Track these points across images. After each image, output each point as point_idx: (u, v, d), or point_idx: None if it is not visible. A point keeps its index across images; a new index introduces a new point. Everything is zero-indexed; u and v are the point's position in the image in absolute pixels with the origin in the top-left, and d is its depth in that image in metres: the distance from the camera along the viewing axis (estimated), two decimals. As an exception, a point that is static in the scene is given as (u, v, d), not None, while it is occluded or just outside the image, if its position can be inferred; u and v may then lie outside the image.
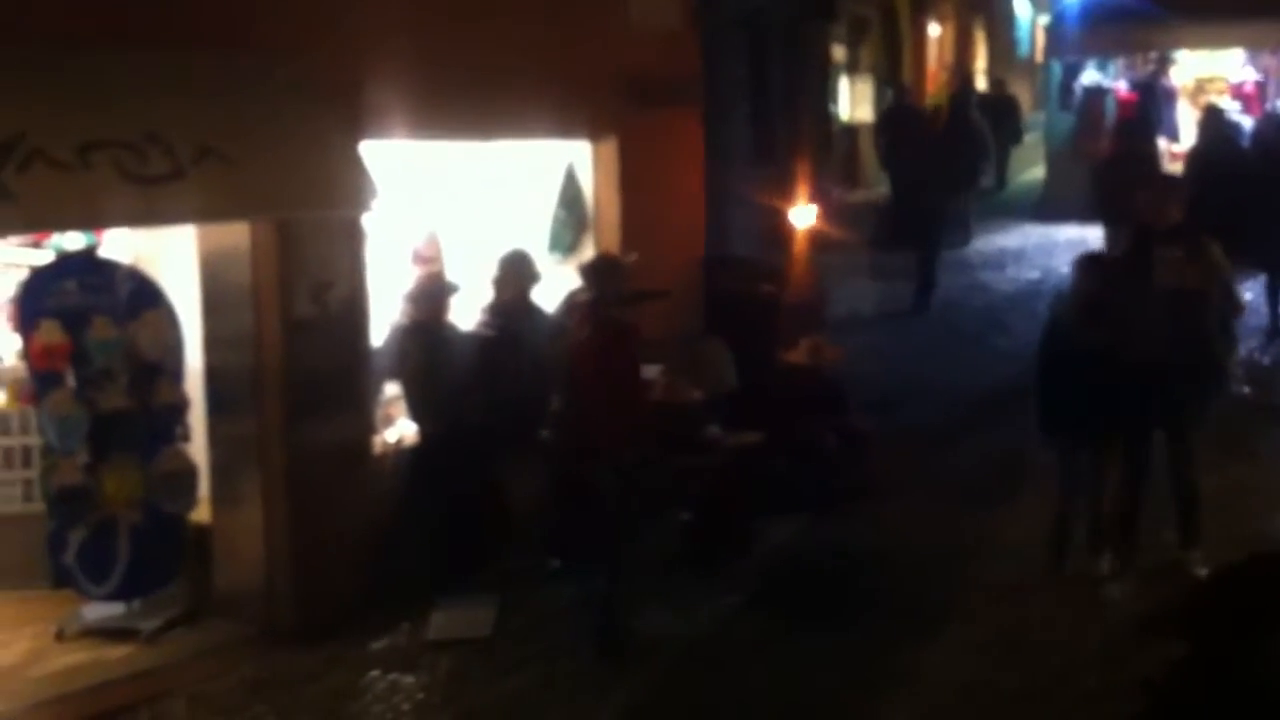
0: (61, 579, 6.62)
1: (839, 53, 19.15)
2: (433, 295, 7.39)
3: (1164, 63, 16.92)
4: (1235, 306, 7.34)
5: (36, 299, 6.42)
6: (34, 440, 6.90)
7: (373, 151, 6.93)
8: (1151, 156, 13.41)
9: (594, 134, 8.64)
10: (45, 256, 6.95)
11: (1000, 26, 26.81)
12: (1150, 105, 16.11)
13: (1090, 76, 17.37)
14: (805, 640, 6.57)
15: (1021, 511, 7.77)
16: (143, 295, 6.57)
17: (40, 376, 6.44)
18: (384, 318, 7.41)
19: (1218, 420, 9.03)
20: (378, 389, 7.40)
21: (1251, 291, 12.23)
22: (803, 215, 10.67)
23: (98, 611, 6.71)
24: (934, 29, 24.05)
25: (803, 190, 10.91)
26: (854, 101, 19.98)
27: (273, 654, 6.52)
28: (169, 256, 7.13)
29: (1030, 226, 16.59)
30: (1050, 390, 6.76)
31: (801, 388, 8.73)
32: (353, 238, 6.96)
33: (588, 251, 8.40)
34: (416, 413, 7.46)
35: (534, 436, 7.33)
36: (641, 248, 7.45)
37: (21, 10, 5.68)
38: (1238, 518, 7.77)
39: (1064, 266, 14.01)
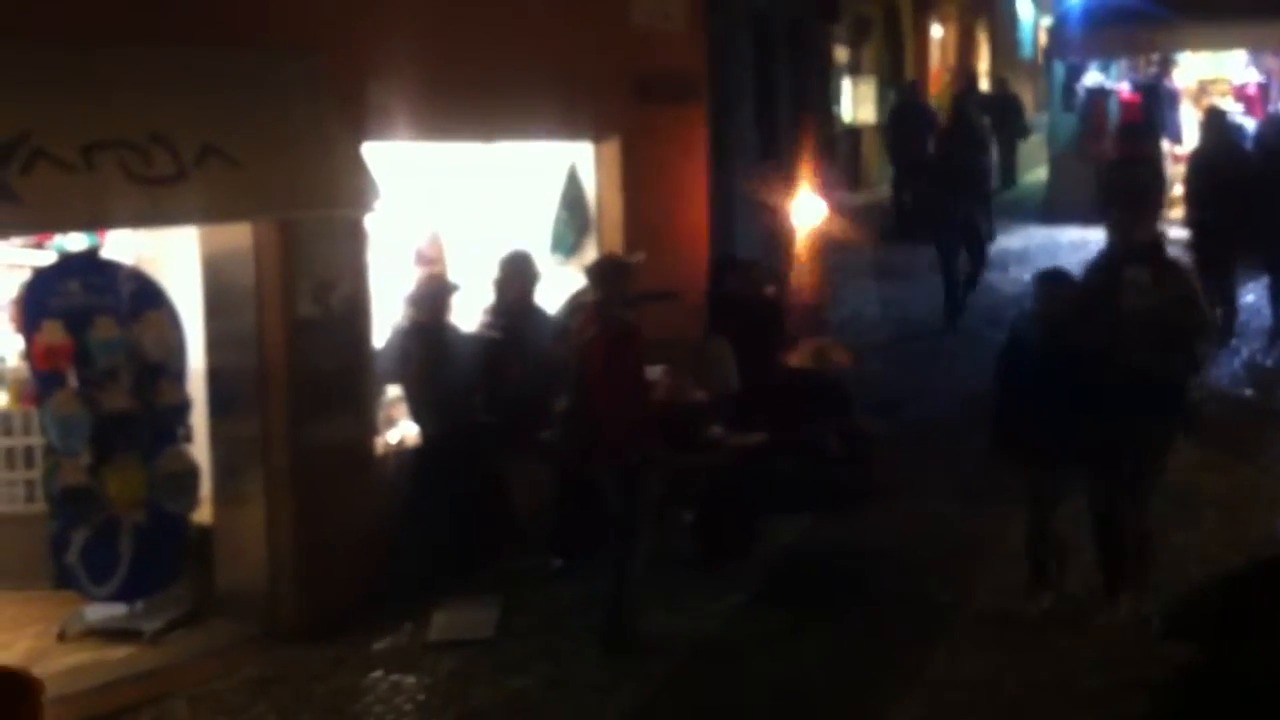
0: (64, 579, 6.61)
1: (841, 54, 19.15)
2: (433, 296, 7.40)
3: (1167, 64, 16.91)
4: (1204, 329, 6.82)
5: (39, 300, 6.42)
6: (36, 441, 6.89)
7: (375, 152, 6.93)
8: (1155, 158, 13.39)
9: (597, 134, 8.64)
10: (48, 257, 6.95)
11: (1003, 28, 26.79)
12: (1153, 107, 16.10)
13: (1093, 78, 17.36)
14: (809, 640, 6.57)
15: (1025, 511, 7.76)
16: (145, 296, 6.57)
17: (43, 377, 6.44)
18: (386, 318, 7.41)
19: (1220, 423, 9.06)
20: (380, 390, 7.40)
21: (1253, 293, 12.24)
22: (807, 216, 10.67)
23: (100, 612, 6.71)
24: (936, 30, 24.03)
25: (807, 191, 10.90)
26: (856, 102, 19.97)
27: (275, 654, 6.52)
28: (171, 257, 7.13)
29: (1034, 228, 16.59)
30: (1007, 409, 6.50)
31: (804, 389, 8.72)
32: (355, 238, 6.96)
33: (590, 253, 8.40)
34: (418, 414, 7.46)
35: (537, 437, 7.33)
36: (645, 248, 7.44)
37: (24, 7, 5.67)
38: (1241, 520, 7.77)
39: (1068, 268, 14.07)
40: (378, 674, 6.36)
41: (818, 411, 8.55)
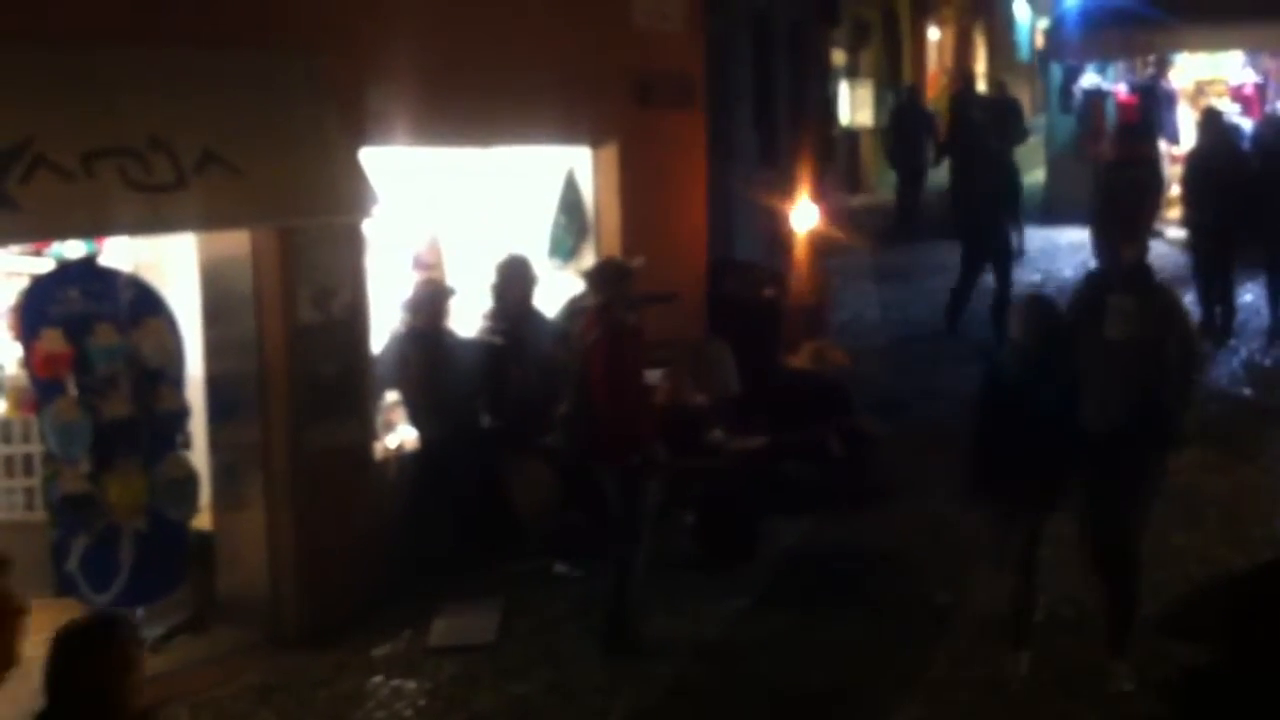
0: (64, 587, 6.59)
1: (839, 57, 19.18)
2: (430, 301, 7.41)
3: (1163, 65, 16.93)
4: (1193, 357, 6.37)
5: (38, 307, 6.41)
6: (36, 448, 6.89)
7: (374, 157, 6.94)
8: (1153, 159, 13.39)
9: (595, 138, 8.64)
10: (46, 265, 6.94)
11: (1000, 30, 26.85)
12: (1151, 108, 16.11)
13: (1090, 79, 17.38)
14: (810, 641, 6.57)
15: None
16: (144, 302, 6.56)
17: (42, 385, 6.43)
18: (386, 323, 7.41)
19: (1220, 423, 9.07)
20: (379, 395, 7.41)
21: (1251, 293, 12.25)
22: (806, 219, 10.68)
23: (101, 619, 6.69)
24: (934, 33, 24.08)
25: (806, 194, 10.92)
26: (855, 105, 20.01)
27: (277, 660, 6.51)
28: (170, 263, 7.14)
29: (1032, 229, 16.58)
30: (989, 451, 5.92)
31: (805, 391, 8.73)
32: (354, 244, 6.97)
33: (588, 257, 8.40)
34: (417, 419, 7.46)
35: (538, 440, 7.33)
36: (643, 252, 7.44)
37: (26, 10, 5.68)
38: (1242, 520, 7.78)
39: (1066, 270, 14.08)
40: (379, 679, 6.35)
41: (818, 413, 8.56)
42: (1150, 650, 6.06)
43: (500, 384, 7.52)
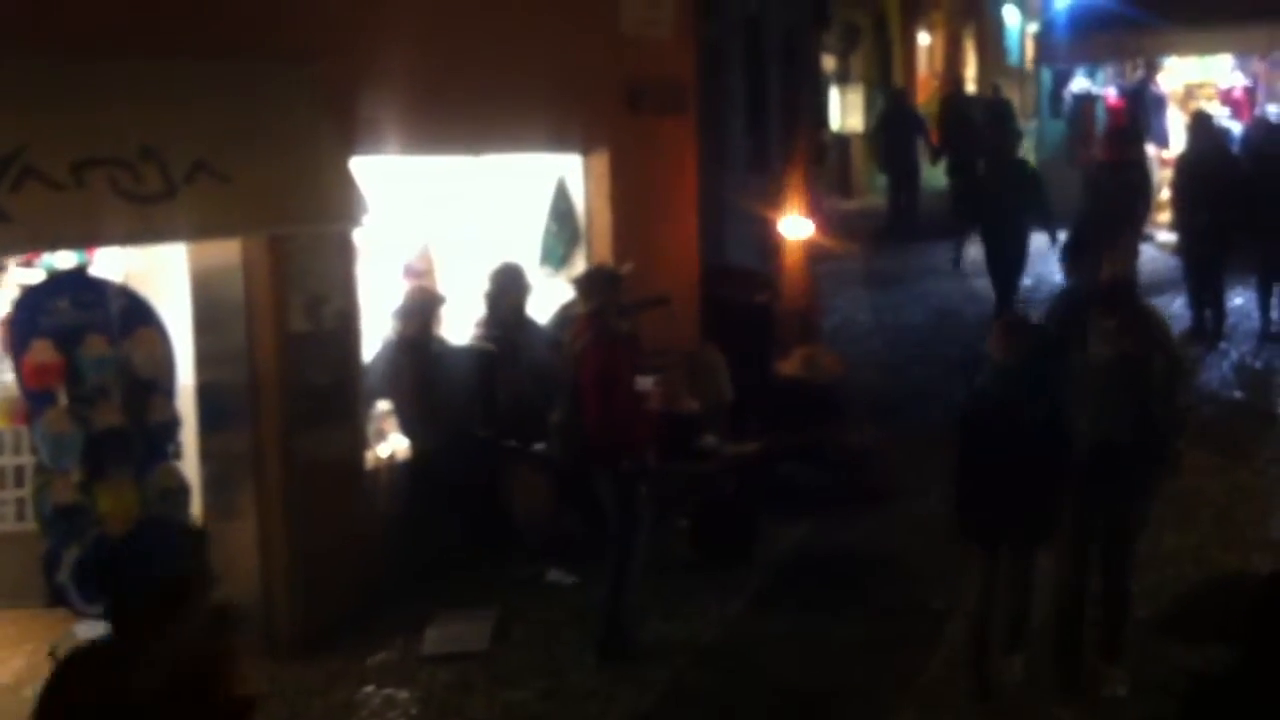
0: (56, 597, 6.57)
1: (830, 62, 19.22)
2: (420, 310, 7.40)
3: (1152, 69, 16.98)
4: (1180, 376, 6.16)
5: (29, 318, 6.39)
6: (28, 459, 6.87)
7: (364, 166, 6.93)
8: (1140, 163, 13.42)
9: (586, 145, 8.64)
10: (36, 275, 6.93)
11: (990, 35, 26.88)
12: (1138, 111, 16.15)
13: (1080, 84, 17.43)
14: (807, 646, 6.57)
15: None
16: (135, 312, 6.55)
17: (34, 395, 6.41)
18: (378, 332, 7.40)
19: (1214, 425, 9.09)
20: (371, 404, 7.39)
21: (1242, 296, 12.27)
22: (797, 224, 10.69)
23: (92, 629, 6.67)
24: (924, 38, 24.13)
25: (798, 199, 10.92)
26: (845, 111, 20.05)
27: (270, 669, 6.49)
28: (160, 273, 7.11)
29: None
30: (972, 483, 5.72)
31: (799, 395, 8.73)
32: (345, 252, 6.96)
33: (579, 264, 8.40)
34: (409, 427, 7.45)
35: (532, 447, 7.32)
36: (635, 259, 7.46)
37: (18, 20, 5.66)
38: (1236, 522, 7.79)
39: (1057, 275, 14.08)
40: (372, 688, 6.34)
41: (813, 418, 8.56)
42: (1145, 652, 6.06)
43: (490, 390, 7.50)
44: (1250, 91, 16.91)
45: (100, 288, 6.57)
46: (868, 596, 7.13)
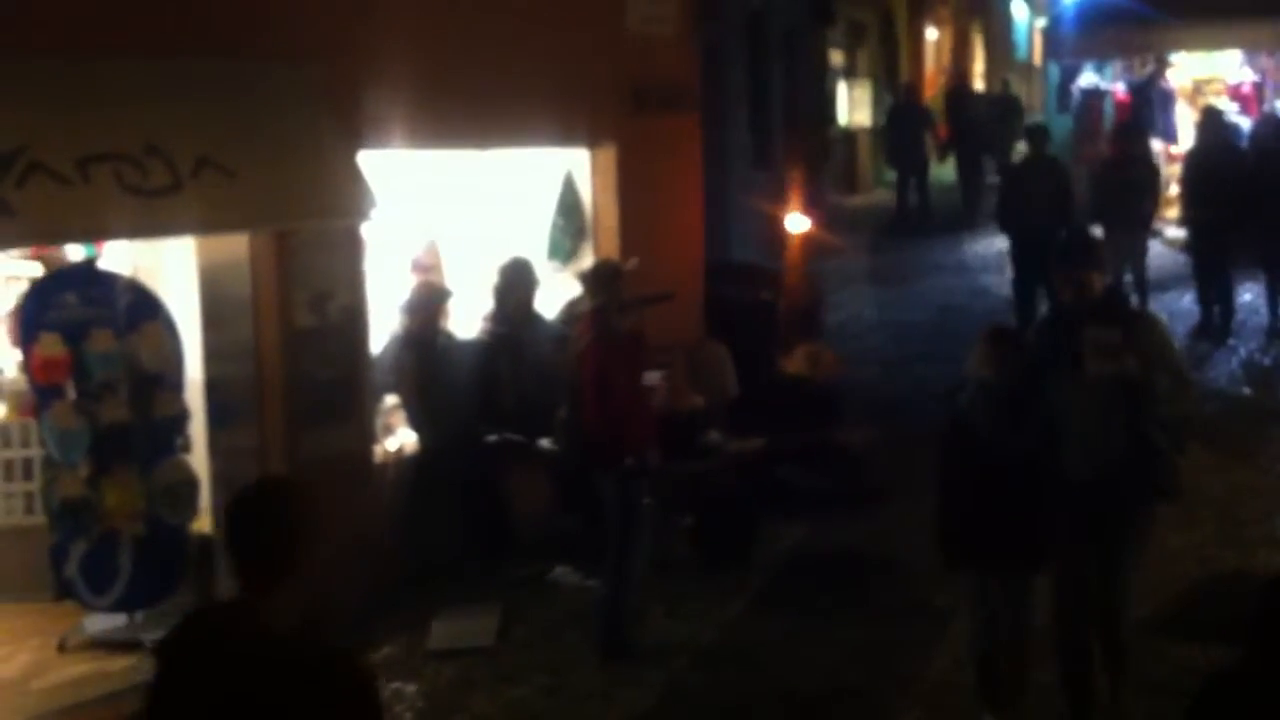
0: (64, 591, 6.60)
1: (837, 57, 19.20)
2: (426, 305, 7.41)
3: (1161, 64, 16.95)
4: (1186, 390, 5.47)
5: (36, 312, 6.42)
6: (35, 453, 6.90)
7: (371, 160, 6.94)
8: (1146, 158, 13.42)
9: (592, 141, 8.65)
10: (33, 269, 6.95)
11: (998, 30, 26.82)
12: (1143, 106, 16.12)
13: (1088, 79, 17.40)
14: (808, 645, 6.56)
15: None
16: (142, 307, 6.57)
17: (41, 389, 6.43)
18: (384, 326, 7.42)
19: (1218, 423, 9.06)
20: (378, 398, 7.41)
21: (1250, 292, 12.25)
22: (801, 221, 10.69)
23: (100, 623, 6.70)
24: (931, 33, 24.08)
25: (801, 196, 10.92)
26: (852, 106, 20.02)
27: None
28: (168, 268, 7.13)
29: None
30: (957, 511, 5.36)
31: (802, 393, 8.73)
32: (352, 247, 6.97)
33: (586, 259, 8.40)
34: (415, 422, 7.47)
35: (536, 444, 7.34)
36: (640, 254, 7.46)
37: (21, 20, 5.68)
38: (1239, 520, 7.78)
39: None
40: (377, 682, 6.35)
41: (816, 416, 8.56)
42: (1148, 651, 6.05)
43: (495, 386, 7.51)
44: (1259, 87, 16.90)
45: (108, 282, 6.59)
46: (869, 597, 7.12)
